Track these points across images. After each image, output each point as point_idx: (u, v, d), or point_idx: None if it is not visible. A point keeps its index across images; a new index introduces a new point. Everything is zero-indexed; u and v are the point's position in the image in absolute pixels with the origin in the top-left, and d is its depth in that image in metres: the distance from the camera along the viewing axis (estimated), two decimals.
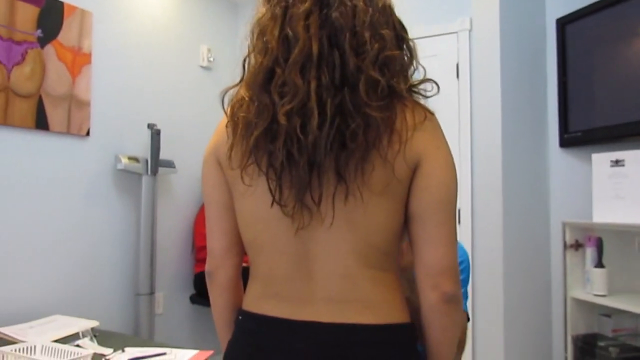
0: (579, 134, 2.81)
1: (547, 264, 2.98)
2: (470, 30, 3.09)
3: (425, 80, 1.01)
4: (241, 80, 1.02)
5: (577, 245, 2.66)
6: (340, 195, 0.94)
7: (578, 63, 2.84)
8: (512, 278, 2.79)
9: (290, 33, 0.93)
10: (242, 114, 0.97)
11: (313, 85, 0.90)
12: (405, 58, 1.00)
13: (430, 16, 3.21)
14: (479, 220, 2.92)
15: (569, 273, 2.65)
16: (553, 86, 2.99)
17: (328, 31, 0.93)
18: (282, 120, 0.91)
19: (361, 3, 0.95)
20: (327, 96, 0.90)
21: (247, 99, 0.97)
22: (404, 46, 1.00)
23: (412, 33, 1.04)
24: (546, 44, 3.03)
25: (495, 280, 2.77)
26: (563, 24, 2.89)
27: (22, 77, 2.54)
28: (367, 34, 0.93)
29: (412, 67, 1.01)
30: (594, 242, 2.56)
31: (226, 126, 1.02)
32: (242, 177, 0.99)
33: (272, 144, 0.93)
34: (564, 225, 2.68)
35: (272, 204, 0.96)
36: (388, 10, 0.99)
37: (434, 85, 1.02)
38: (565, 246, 2.66)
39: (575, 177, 2.88)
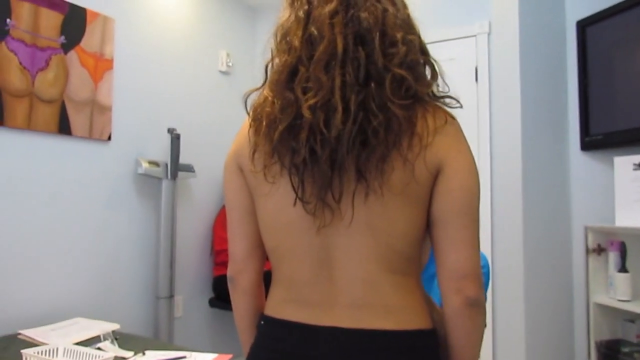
0: (600, 137, 2.78)
1: (568, 269, 2.95)
2: (489, 34, 3.07)
3: (448, 96, 1.01)
4: (264, 84, 1.03)
5: (600, 250, 2.62)
6: (360, 194, 0.94)
7: (599, 65, 2.81)
8: (533, 283, 2.76)
9: (314, 32, 0.95)
10: (266, 110, 0.98)
11: (337, 81, 0.91)
12: (428, 70, 1.01)
13: (448, 20, 3.20)
14: (499, 225, 2.89)
15: (591, 278, 2.61)
16: (574, 89, 2.96)
17: (354, 30, 0.94)
18: (306, 114, 0.91)
19: (391, 7, 0.97)
20: (350, 93, 0.91)
21: (270, 98, 0.98)
22: (427, 60, 1.01)
23: (430, 37, 1.05)
24: (566, 47, 3.00)
25: (516, 286, 2.74)
26: (583, 26, 2.87)
27: (45, 82, 2.58)
28: (398, 35, 0.95)
29: (435, 82, 1.01)
30: (617, 247, 2.52)
31: (249, 129, 1.03)
32: (264, 175, 0.99)
33: (295, 139, 0.93)
34: (586, 229, 2.65)
35: (295, 201, 0.96)
36: (413, 22, 1.01)
37: (457, 100, 1.02)
38: (587, 251, 2.62)
39: (597, 180, 2.84)
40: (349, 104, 0.91)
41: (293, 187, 0.96)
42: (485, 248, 2.90)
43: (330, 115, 0.91)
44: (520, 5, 2.81)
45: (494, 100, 3.00)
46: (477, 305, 0.97)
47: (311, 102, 0.91)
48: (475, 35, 3.13)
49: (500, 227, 2.86)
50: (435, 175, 0.95)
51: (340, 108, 0.90)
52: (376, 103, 0.91)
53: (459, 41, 3.16)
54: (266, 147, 0.98)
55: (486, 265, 1.66)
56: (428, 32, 1.04)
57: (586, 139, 2.86)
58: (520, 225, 2.73)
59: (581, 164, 2.93)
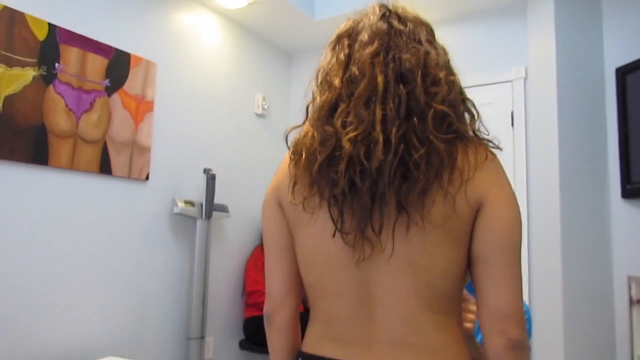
0: None
1: (611, 321, 2.84)
2: (525, 79, 3.07)
3: (487, 139, 1.02)
4: (304, 122, 1.05)
5: None
6: (400, 227, 0.93)
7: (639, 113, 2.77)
8: (573, 337, 2.66)
9: (355, 72, 0.97)
10: (307, 142, 1.00)
11: (378, 115, 0.92)
12: (467, 110, 1.02)
13: (484, 64, 3.21)
14: (537, 276, 2.81)
15: (635, 331, 2.51)
16: (613, 136, 2.92)
17: (395, 69, 0.96)
18: (347, 146, 0.92)
19: (432, 51, 0.99)
20: (391, 126, 0.92)
21: (310, 132, 1.00)
22: (467, 101, 1.03)
23: (466, 81, 1.07)
24: (605, 94, 2.98)
25: (556, 339, 2.65)
26: (623, 73, 2.84)
27: (89, 124, 2.66)
28: (441, 74, 0.97)
29: (477, 121, 1.02)
30: None
31: (289, 163, 1.04)
32: (304, 207, 1.00)
33: (334, 170, 0.94)
34: (629, 279, 2.57)
35: (334, 233, 0.96)
36: (452, 66, 1.03)
37: (496, 144, 1.02)
38: (630, 302, 2.54)
39: None
40: (389, 136, 0.91)
41: (332, 218, 0.96)
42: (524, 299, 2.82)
43: (371, 148, 0.91)
44: (557, 52, 2.81)
45: (530, 145, 2.98)
46: (520, 348, 0.94)
47: (351, 135, 0.92)
48: (511, 81, 3.12)
49: (538, 278, 2.79)
50: (477, 210, 0.94)
51: (381, 140, 0.91)
52: (417, 136, 0.92)
53: (495, 86, 3.16)
54: (306, 179, 0.99)
55: (527, 311, 1.62)
56: (464, 77, 1.06)
57: (627, 187, 2.80)
58: (559, 275, 2.66)
59: (622, 212, 2.86)
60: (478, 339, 1.27)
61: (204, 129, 3.36)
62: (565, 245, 2.68)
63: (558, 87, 2.79)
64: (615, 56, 2.93)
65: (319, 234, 1.00)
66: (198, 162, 3.27)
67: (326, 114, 0.98)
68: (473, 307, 1.23)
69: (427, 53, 0.97)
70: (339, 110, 0.96)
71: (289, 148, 1.06)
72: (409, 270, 0.94)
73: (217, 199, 3.27)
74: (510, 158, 3.06)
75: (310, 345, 1.05)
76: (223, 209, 3.31)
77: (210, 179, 3.19)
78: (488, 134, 1.02)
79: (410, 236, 0.93)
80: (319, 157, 0.96)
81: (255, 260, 3.44)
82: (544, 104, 2.84)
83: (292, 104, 4.00)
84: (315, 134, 0.98)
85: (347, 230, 0.95)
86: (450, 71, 1.00)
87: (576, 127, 2.86)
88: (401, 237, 0.94)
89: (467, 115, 1.01)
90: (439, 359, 0.94)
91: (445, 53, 1.03)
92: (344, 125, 0.94)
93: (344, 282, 0.98)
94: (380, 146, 0.90)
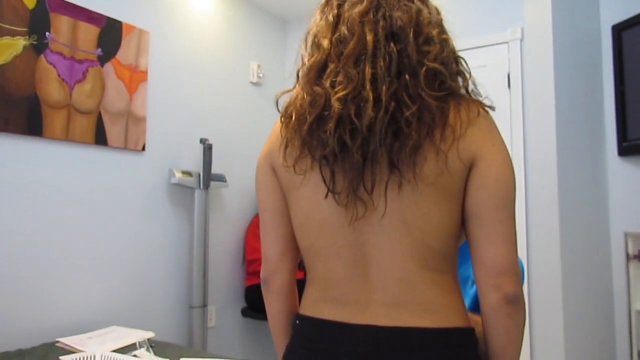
0: (638, 142, 2.72)
1: (608, 277, 2.88)
2: (521, 40, 3.05)
3: (481, 99, 1.01)
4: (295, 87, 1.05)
5: None
6: (392, 186, 0.93)
7: (636, 70, 2.76)
8: (571, 292, 2.69)
9: (345, 32, 0.96)
10: (297, 104, 0.99)
11: (368, 74, 0.92)
12: (459, 72, 1.01)
13: (480, 27, 3.19)
14: (535, 233, 2.83)
15: (632, 285, 2.55)
16: (610, 94, 2.91)
17: (385, 27, 0.95)
18: (336, 105, 0.92)
19: (425, 9, 0.98)
20: (382, 84, 0.91)
21: (300, 94, 1.00)
22: (459, 60, 1.02)
23: (462, 44, 1.06)
24: (601, 52, 2.96)
25: (554, 294, 2.68)
26: (619, 30, 2.83)
27: (83, 94, 2.64)
28: (434, 32, 0.96)
29: (470, 79, 1.01)
30: None
31: (280, 126, 1.04)
32: (295, 169, 1.00)
33: (323, 130, 0.94)
34: (626, 235, 2.60)
35: (327, 194, 0.96)
36: (445, 26, 1.02)
37: (490, 106, 1.02)
38: (627, 257, 2.57)
39: (636, 186, 2.78)
40: (380, 94, 0.91)
41: (324, 179, 0.96)
42: (521, 256, 2.85)
43: (362, 106, 0.91)
44: (553, 11, 2.78)
45: (527, 106, 2.97)
46: (516, 302, 0.95)
47: (341, 94, 0.92)
48: (507, 42, 3.10)
49: (536, 235, 2.81)
50: (469, 168, 0.94)
51: (371, 98, 0.90)
52: (409, 94, 0.91)
53: (491, 48, 3.14)
54: (296, 140, 0.99)
55: (521, 267, 1.63)
56: (460, 40, 1.05)
57: (624, 144, 2.81)
58: (557, 233, 2.68)
59: (619, 170, 2.88)
60: (472, 290, 1.28)
61: (199, 98, 3.33)
62: (562, 203, 2.69)
63: (554, 47, 2.77)
64: (611, 13, 2.91)
65: (311, 195, 1.00)
66: (194, 132, 3.25)
67: (315, 75, 0.97)
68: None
69: (419, 11, 0.96)
70: (328, 70, 0.95)
71: (279, 110, 1.06)
72: (402, 229, 0.95)
73: (215, 169, 3.26)
74: (507, 119, 3.06)
75: (307, 308, 1.06)
76: (221, 178, 3.30)
77: (207, 148, 3.18)
78: (482, 96, 1.01)
79: (402, 194, 0.93)
80: (308, 117, 0.95)
81: (255, 228, 3.45)
82: (540, 65, 2.82)
83: (287, 71, 3.96)
84: (305, 96, 0.97)
85: (339, 191, 0.95)
86: (442, 30, 0.99)
87: (573, 87, 2.85)
88: (394, 195, 0.94)
89: (459, 79, 1.00)
90: (435, 317, 0.95)
91: (438, 12, 1.02)
92: (333, 85, 0.94)
93: (339, 244, 0.99)
94: (370, 104, 0.90)
